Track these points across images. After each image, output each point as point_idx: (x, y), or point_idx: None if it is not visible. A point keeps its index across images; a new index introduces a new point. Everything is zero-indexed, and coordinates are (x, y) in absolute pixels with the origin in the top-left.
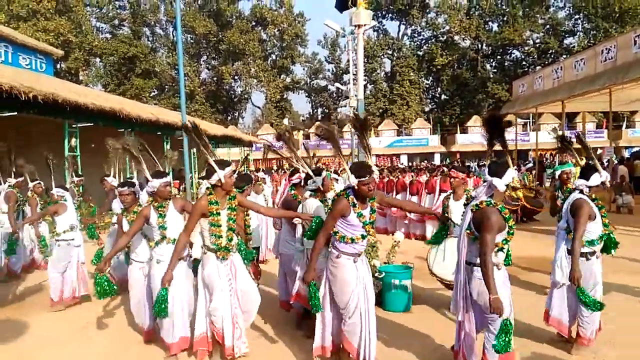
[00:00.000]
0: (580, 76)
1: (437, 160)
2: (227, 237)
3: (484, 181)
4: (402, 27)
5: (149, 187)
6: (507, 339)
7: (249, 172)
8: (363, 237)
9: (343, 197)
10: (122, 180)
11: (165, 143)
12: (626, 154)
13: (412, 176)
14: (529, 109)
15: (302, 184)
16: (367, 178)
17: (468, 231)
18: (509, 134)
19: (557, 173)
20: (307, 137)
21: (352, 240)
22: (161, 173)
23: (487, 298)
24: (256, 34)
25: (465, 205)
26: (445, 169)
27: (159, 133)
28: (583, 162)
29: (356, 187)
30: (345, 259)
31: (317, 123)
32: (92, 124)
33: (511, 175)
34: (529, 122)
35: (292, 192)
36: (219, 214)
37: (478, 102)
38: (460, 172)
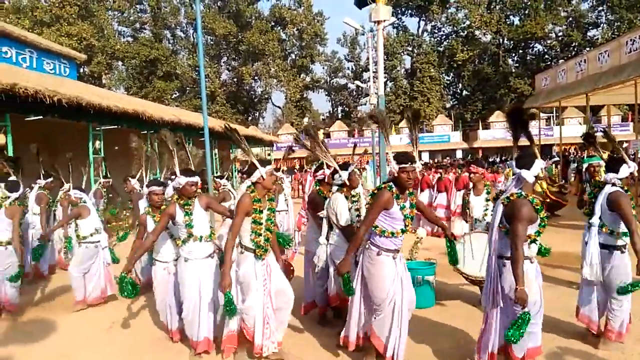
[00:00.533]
0: (604, 68)
1: (459, 156)
2: (264, 236)
3: (513, 174)
4: (422, 23)
5: (175, 182)
6: (520, 330)
7: None
8: (402, 231)
9: (386, 189)
10: (149, 180)
11: (188, 144)
12: None
13: (441, 173)
14: (552, 103)
15: (327, 180)
16: (407, 165)
17: (500, 225)
18: (533, 128)
19: (585, 166)
20: (327, 135)
21: (392, 234)
22: (190, 172)
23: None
24: (275, 34)
25: (495, 199)
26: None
27: (181, 134)
28: (606, 156)
29: (396, 175)
30: (385, 257)
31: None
32: (115, 127)
33: (539, 166)
34: (553, 116)
35: (317, 187)
36: (261, 212)
37: (500, 97)
38: (479, 167)
